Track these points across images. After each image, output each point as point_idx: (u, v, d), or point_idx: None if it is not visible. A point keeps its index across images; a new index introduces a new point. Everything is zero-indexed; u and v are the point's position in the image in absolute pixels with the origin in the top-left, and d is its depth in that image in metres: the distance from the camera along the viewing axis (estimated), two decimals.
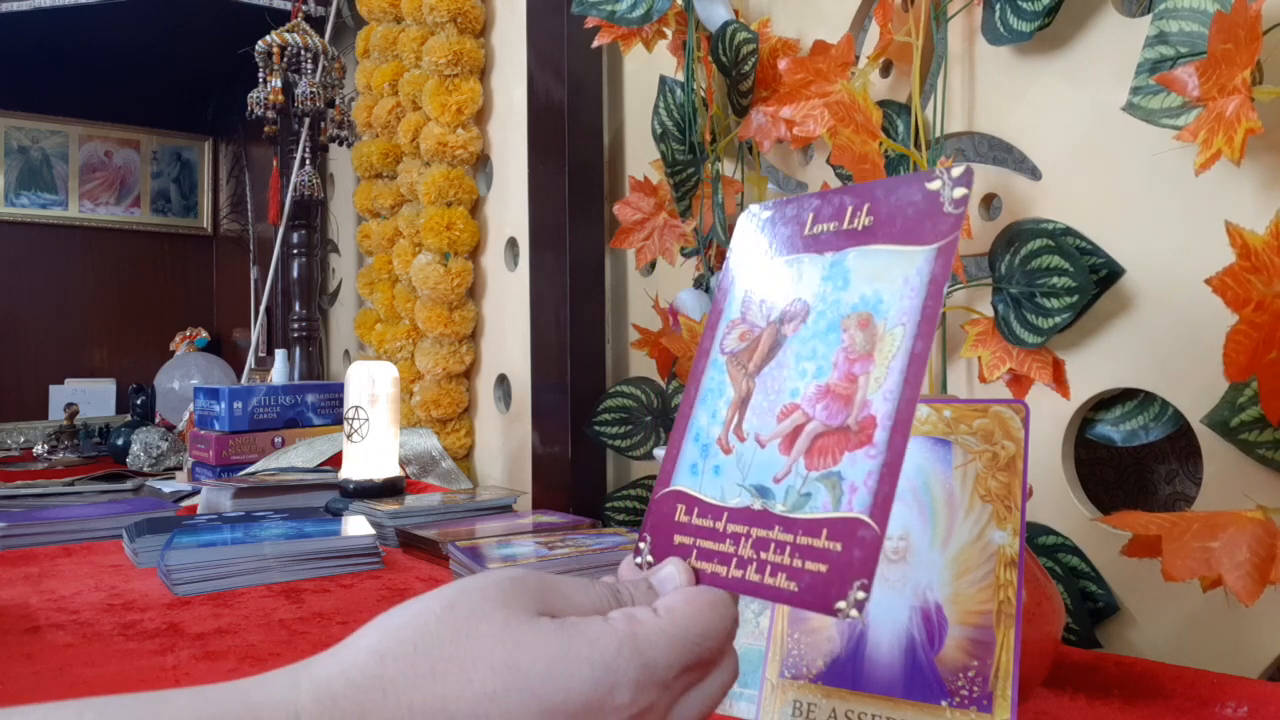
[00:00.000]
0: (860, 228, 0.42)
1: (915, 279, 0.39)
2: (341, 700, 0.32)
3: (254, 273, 2.91)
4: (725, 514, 0.41)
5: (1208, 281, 0.56)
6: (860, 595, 0.35)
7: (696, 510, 0.42)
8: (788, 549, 0.38)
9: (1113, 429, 0.78)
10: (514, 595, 0.36)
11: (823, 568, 0.36)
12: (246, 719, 0.31)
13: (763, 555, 0.38)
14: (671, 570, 0.40)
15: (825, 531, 0.37)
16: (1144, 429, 0.76)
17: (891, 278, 0.39)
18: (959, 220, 0.38)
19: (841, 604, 0.35)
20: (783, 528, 0.38)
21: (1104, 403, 0.78)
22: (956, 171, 0.39)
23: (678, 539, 0.42)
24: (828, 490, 0.38)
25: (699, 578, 0.40)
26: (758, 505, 0.40)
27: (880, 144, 0.81)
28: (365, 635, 0.35)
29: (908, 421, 0.37)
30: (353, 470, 1.33)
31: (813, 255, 0.43)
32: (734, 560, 0.39)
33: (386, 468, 1.34)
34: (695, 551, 0.41)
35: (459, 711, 0.32)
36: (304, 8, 2.09)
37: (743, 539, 0.39)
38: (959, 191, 0.39)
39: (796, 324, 0.42)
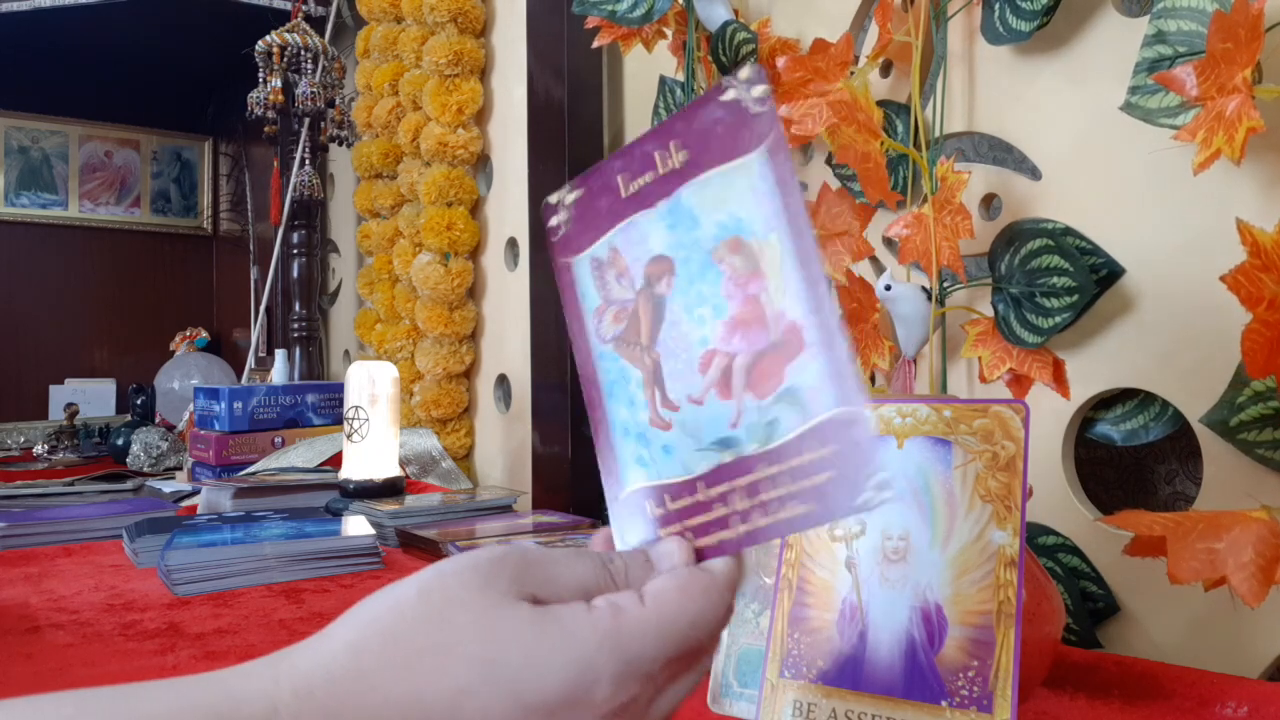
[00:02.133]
0: (678, 166, 0.39)
1: (761, 185, 0.37)
2: (319, 694, 0.32)
3: (254, 273, 2.91)
4: (699, 483, 0.38)
5: (1223, 278, 0.56)
6: (881, 476, 0.33)
7: (667, 496, 0.40)
8: (783, 479, 0.36)
9: (1112, 428, 0.78)
10: (492, 578, 0.34)
11: (827, 475, 0.35)
12: (227, 712, 0.31)
13: (760, 498, 0.36)
14: (671, 546, 0.38)
15: (810, 443, 0.35)
16: (1144, 428, 0.76)
17: (737, 195, 0.37)
18: (771, 117, 0.36)
19: (862, 497, 0.33)
20: (766, 463, 0.36)
21: (1104, 402, 0.78)
22: (744, 74, 0.37)
23: (662, 532, 0.40)
24: (789, 407, 0.36)
25: (703, 554, 0.38)
26: (728, 458, 0.38)
27: (882, 143, 0.81)
28: (343, 625, 0.34)
29: (831, 307, 0.35)
30: (353, 470, 1.33)
31: (644, 211, 0.40)
32: (732, 519, 0.37)
33: (386, 468, 1.34)
34: (689, 534, 0.39)
35: (435, 705, 0.32)
36: (304, 8, 2.09)
37: (731, 495, 0.37)
38: (757, 90, 0.37)
39: (668, 279, 0.40)
